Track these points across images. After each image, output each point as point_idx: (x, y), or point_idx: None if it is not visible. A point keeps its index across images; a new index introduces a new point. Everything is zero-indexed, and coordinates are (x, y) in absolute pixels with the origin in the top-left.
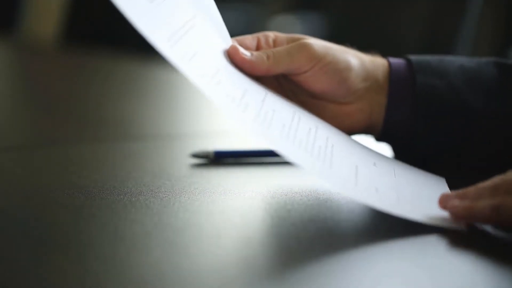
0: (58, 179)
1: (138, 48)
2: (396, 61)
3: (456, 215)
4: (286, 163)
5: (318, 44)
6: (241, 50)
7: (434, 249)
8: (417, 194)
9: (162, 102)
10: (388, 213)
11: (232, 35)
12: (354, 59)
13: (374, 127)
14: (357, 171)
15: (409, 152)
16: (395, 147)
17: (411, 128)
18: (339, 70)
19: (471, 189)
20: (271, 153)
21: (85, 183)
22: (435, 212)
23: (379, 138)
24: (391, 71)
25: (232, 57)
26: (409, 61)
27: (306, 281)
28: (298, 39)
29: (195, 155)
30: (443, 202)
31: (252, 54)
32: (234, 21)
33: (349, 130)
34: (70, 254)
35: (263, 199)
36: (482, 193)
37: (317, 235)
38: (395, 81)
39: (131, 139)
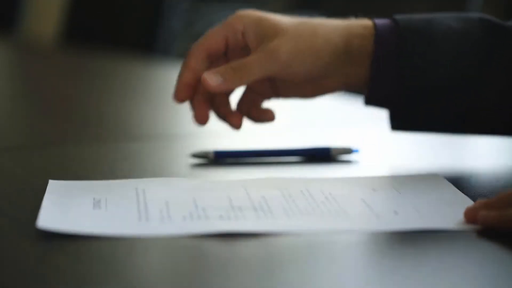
0: (58, 179)
1: (138, 48)
2: (381, 23)
3: (486, 225)
4: (285, 163)
5: (287, 46)
6: (208, 81)
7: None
8: (431, 202)
9: (162, 102)
10: (420, 230)
11: None
12: (326, 45)
13: (358, 90)
14: (366, 203)
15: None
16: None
17: (398, 102)
18: (310, 72)
19: (494, 199)
20: (271, 153)
21: None
22: (460, 215)
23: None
24: (376, 37)
25: (205, 87)
26: (395, 23)
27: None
28: (266, 37)
29: (195, 155)
30: (470, 215)
31: (221, 80)
32: None
33: (327, 94)
34: (70, 254)
35: None
36: (507, 200)
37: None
38: (378, 53)
39: (131, 139)
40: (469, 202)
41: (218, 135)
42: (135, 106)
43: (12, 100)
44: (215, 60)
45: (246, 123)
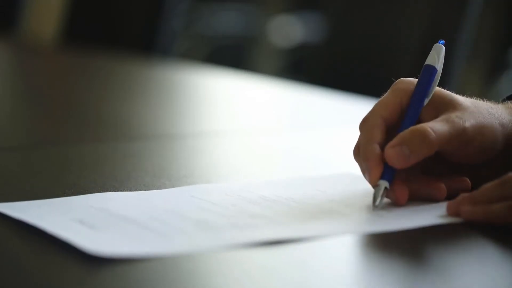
0: (58, 179)
1: (138, 48)
2: None
3: (471, 220)
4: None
5: (471, 121)
6: (396, 157)
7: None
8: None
9: (162, 102)
10: (407, 229)
11: (232, 35)
12: (500, 127)
13: None
14: (342, 213)
15: None
16: None
17: None
18: (484, 149)
19: (478, 192)
20: None
21: (85, 183)
22: (438, 210)
23: None
24: None
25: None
26: None
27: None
28: (446, 108)
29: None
30: (453, 209)
31: (408, 153)
32: (234, 21)
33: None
34: (70, 254)
35: None
36: (491, 194)
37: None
38: None
39: (131, 139)
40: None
41: (218, 135)
42: (135, 106)
43: (12, 100)
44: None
45: (244, 122)
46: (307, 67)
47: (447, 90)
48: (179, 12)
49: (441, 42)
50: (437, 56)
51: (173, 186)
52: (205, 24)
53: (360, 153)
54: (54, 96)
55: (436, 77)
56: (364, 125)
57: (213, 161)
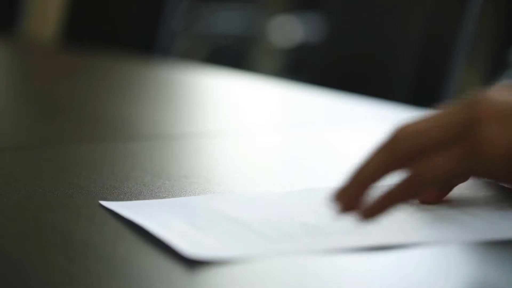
0: (58, 179)
1: (138, 48)
2: None
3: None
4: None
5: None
6: None
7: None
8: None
9: (162, 102)
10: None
11: (232, 35)
12: None
13: None
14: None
15: None
16: None
17: None
18: None
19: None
20: None
21: (85, 183)
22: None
23: None
24: None
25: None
26: None
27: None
28: None
29: None
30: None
31: None
32: (234, 21)
33: None
34: (70, 254)
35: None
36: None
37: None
38: None
39: (131, 139)
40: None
41: (218, 135)
42: (135, 106)
43: (12, 100)
44: None
45: (242, 121)
46: (307, 67)
47: (447, 90)
48: (179, 12)
49: None
50: None
51: (173, 186)
52: (205, 24)
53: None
54: (54, 96)
55: None
56: (421, 137)
57: (213, 161)
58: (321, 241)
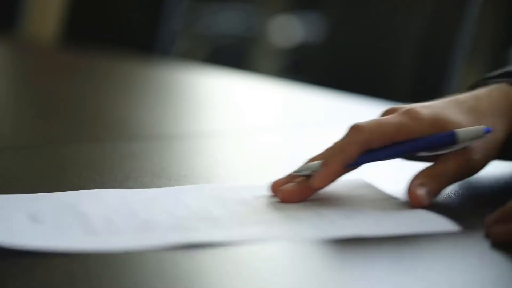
0: (58, 179)
1: (138, 48)
2: None
3: (504, 241)
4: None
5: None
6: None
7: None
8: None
9: (162, 102)
10: (370, 237)
11: (232, 35)
12: (496, 141)
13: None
14: (314, 210)
15: None
16: None
17: None
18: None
19: (500, 213)
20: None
21: (85, 183)
22: (405, 217)
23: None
24: None
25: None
26: None
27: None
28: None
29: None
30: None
31: (425, 193)
32: (234, 21)
33: None
34: (70, 254)
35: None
36: None
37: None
38: None
39: (131, 139)
40: (399, 200)
41: (218, 135)
42: (135, 106)
43: (12, 100)
44: None
45: (240, 119)
46: (307, 67)
47: (447, 90)
48: (179, 12)
49: (486, 130)
50: (469, 135)
51: (172, 186)
52: (205, 24)
53: (330, 148)
54: (54, 96)
55: (449, 146)
56: (359, 133)
57: (213, 161)
58: (152, 237)
